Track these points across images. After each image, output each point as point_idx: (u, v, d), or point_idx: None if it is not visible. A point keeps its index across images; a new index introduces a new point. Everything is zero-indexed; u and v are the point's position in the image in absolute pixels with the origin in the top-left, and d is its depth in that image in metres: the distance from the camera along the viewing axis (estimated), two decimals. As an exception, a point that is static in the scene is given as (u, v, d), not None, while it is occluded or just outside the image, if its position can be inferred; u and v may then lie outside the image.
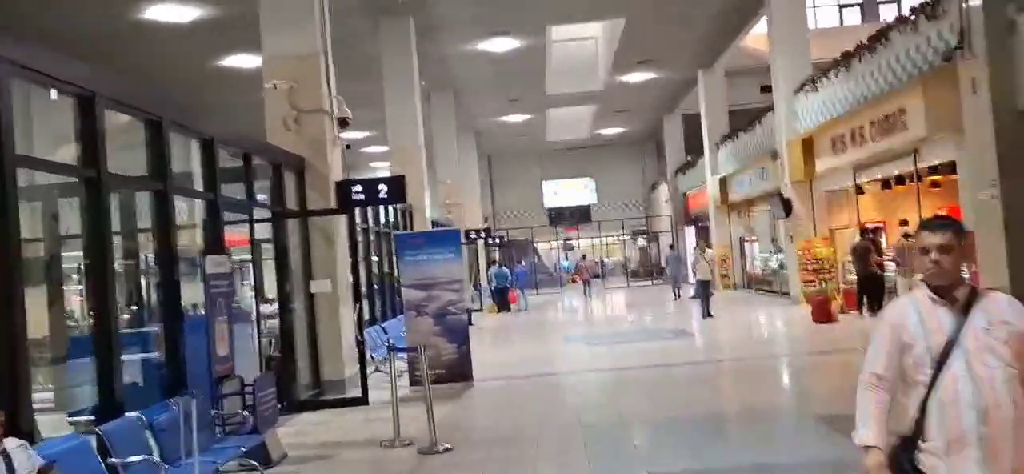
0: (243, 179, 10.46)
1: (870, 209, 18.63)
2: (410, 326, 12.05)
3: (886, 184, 17.15)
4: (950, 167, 14.09)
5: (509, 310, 26.84)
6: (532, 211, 43.47)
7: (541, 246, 44.36)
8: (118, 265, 8.11)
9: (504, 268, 29.13)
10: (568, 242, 44.62)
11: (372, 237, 16.76)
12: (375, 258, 17.11)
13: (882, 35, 14.66)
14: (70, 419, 7.21)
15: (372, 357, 12.87)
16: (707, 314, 19.11)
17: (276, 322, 11.59)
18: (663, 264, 37.15)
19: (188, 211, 9.76)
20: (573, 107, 32.77)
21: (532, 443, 8.30)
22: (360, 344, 11.44)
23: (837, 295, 17.83)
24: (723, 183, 27.23)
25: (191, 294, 9.05)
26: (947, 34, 12.07)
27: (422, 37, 19.90)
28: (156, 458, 6.03)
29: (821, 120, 17.85)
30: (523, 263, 38.35)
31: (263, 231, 11.44)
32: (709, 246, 26.67)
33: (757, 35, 24.33)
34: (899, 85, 14.03)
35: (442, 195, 27.91)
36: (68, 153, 6.88)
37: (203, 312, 8.01)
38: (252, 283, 12.18)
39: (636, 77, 27.89)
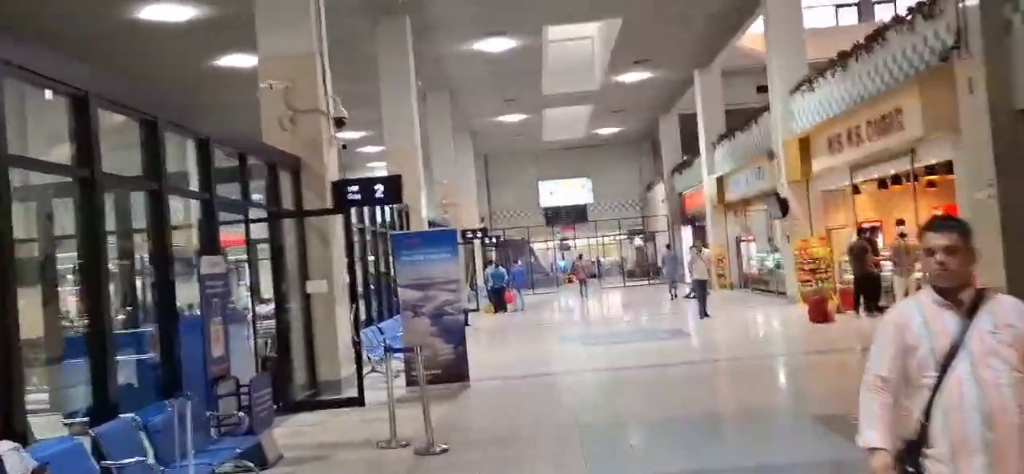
0: (239, 179, 10.43)
1: (867, 209, 18.64)
2: (406, 326, 12.01)
3: (882, 184, 17.16)
4: (947, 167, 14.10)
5: (505, 310, 26.81)
6: (528, 211, 43.45)
7: (537, 246, 44.35)
8: (113, 265, 8.08)
9: (500, 268, 29.11)
10: (564, 242, 44.62)
11: (368, 237, 16.73)
12: (371, 258, 17.07)
13: (879, 35, 14.66)
14: (65, 421, 7.17)
15: (368, 357, 12.84)
16: (704, 314, 19.11)
17: (272, 322, 11.56)
18: (659, 264, 37.15)
19: (184, 211, 9.73)
20: (569, 107, 32.76)
21: (529, 443, 8.29)
22: (356, 344, 11.40)
23: (834, 295, 17.83)
24: (719, 183, 27.24)
25: (187, 295, 9.02)
26: (944, 34, 12.07)
27: (418, 37, 19.87)
28: (151, 460, 6.00)
29: (818, 120, 17.85)
30: (519, 263, 38.31)
31: (259, 231, 11.41)
32: (705, 246, 26.68)
33: (753, 35, 24.36)
34: (896, 85, 14.03)
35: (438, 195, 27.88)
36: (63, 153, 6.84)
37: (198, 313, 7.97)
38: (248, 283, 12.15)
39: (632, 77, 27.89)
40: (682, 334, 17.01)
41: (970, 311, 2.98)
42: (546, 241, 44.22)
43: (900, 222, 16.20)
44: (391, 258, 15.84)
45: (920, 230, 3.15)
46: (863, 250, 16.47)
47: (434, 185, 27.74)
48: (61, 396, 7.96)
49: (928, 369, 2.97)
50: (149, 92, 9.51)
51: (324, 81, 12.01)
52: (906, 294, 15.27)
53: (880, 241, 17.98)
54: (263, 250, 11.71)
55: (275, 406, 8.93)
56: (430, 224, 21.15)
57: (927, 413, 2.95)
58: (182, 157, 9.23)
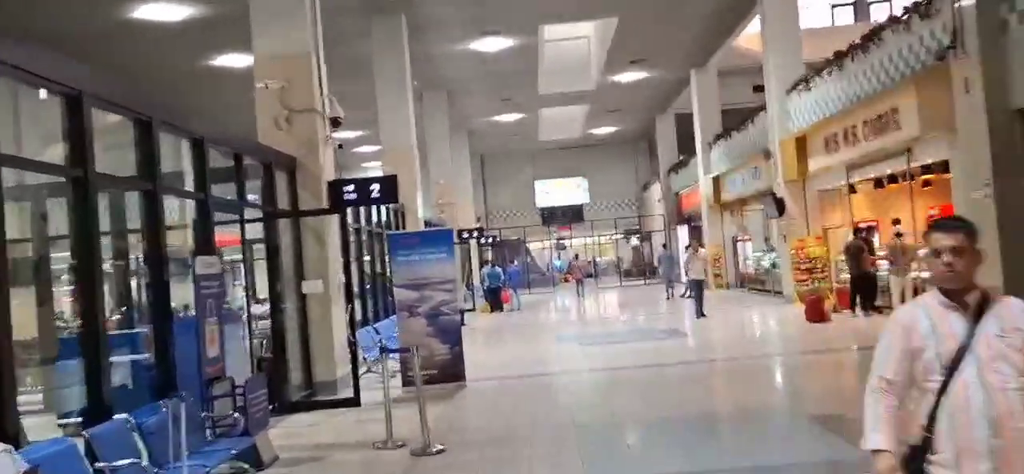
0: (234, 179, 10.39)
1: (863, 208, 18.66)
2: (402, 326, 11.98)
3: (879, 183, 17.17)
4: (943, 166, 14.11)
5: (502, 310, 26.79)
6: (525, 211, 43.44)
7: (534, 246, 44.32)
8: (108, 266, 8.04)
9: (497, 268, 29.09)
10: (561, 242, 44.60)
11: (364, 237, 16.69)
12: (367, 258, 17.03)
13: (875, 34, 14.66)
14: (59, 422, 7.13)
15: (364, 358, 12.79)
16: (700, 314, 19.10)
17: (268, 323, 11.52)
18: (656, 264, 37.15)
19: (180, 211, 9.69)
20: (566, 107, 32.75)
21: (525, 444, 8.26)
22: (352, 345, 11.37)
23: (830, 294, 17.83)
24: (716, 182, 27.24)
25: (182, 295, 8.98)
26: (940, 33, 12.07)
27: (414, 36, 19.84)
28: (145, 462, 5.96)
29: (814, 119, 17.85)
30: (516, 263, 38.29)
31: (254, 231, 11.37)
32: (702, 245, 26.68)
33: (750, 34, 24.33)
34: (892, 84, 14.03)
35: (434, 195, 27.85)
36: (57, 153, 6.80)
37: (193, 313, 7.94)
38: (243, 284, 12.11)
39: (629, 76, 27.87)
40: (679, 334, 17.00)
41: (977, 314, 2.92)
42: (542, 241, 44.20)
43: (896, 222, 16.22)
44: (387, 258, 15.82)
45: (925, 230, 3.11)
46: (859, 250, 16.48)
47: (430, 185, 27.71)
48: (55, 397, 7.92)
49: (934, 373, 2.92)
50: (143, 92, 9.46)
51: (320, 80, 11.97)
52: (902, 293, 15.30)
53: (876, 241, 17.99)
54: (259, 250, 11.66)
55: (271, 407, 8.89)
56: (426, 224, 21.11)
57: (932, 417, 2.90)
58: (177, 157, 9.19)
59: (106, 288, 7.65)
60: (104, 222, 7.46)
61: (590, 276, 38.14)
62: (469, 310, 24.86)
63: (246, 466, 7.33)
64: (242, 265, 11.86)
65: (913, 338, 2.97)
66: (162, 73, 20.06)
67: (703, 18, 22.30)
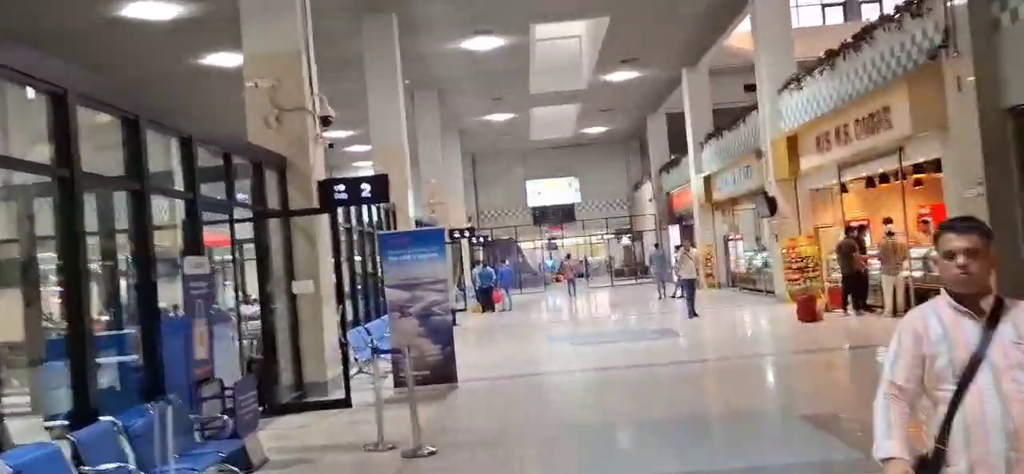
0: (223, 178, 10.30)
1: (854, 207, 18.67)
2: (394, 327, 11.91)
3: (870, 182, 17.18)
4: (935, 165, 14.11)
5: (494, 310, 26.74)
6: (516, 210, 43.42)
7: (525, 245, 44.30)
8: (95, 266, 7.94)
9: (488, 268, 29.04)
10: (552, 241, 44.58)
11: (355, 237, 16.61)
12: (358, 258, 16.95)
13: (867, 33, 14.66)
14: (46, 424, 7.03)
15: (355, 359, 12.72)
16: (692, 313, 19.08)
17: (258, 323, 11.44)
18: (647, 263, 37.16)
19: (169, 211, 9.60)
20: (557, 106, 32.72)
21: (517, 444, 8.22)
22: (343, 345, 11.30)
23: (822, 294, 17.84)
24: (707, 182, 27.24)
25: (171, 296, 8.89)
26: (932, 32, 12.07)
27: (405, 35, 19.77)
28: (131, 465, 5.87)
29: (806, 118, 17.85)
30: (507, 262, 38.24)
31: (244, 231, 11.29)
32: (693, 245, 26.68)
33: (741, 34, 24.36)
34: (884, 83, 14.03)
35: (426, 194, 27.78)
36: (45, 152, 6.71)
37: (182, 314, 7.85)
38: (233, 284, 12.02)
39: (620, 76, 27.87)
40: (670, 334, 16.97)
41: (991, 320, 2.79)
42: (534, 240, 44.18)
43: (888, 221, 16.23)
44: (378, 258, 15.74)
45: (936, 231, 2.97)
46: (851, 249, 16.49)
47: (421, 184, 27.64)
48: (42, 399, 7.83)
49: (946, 381, 2.80)
50: (131, 90, 9.35)
51: (310, 79, 11.90)
52: (894, 292, 15.32)
53: (868, 240, 18.00)
54: (248, 250, 11.58)
55: (260, 408, 8.80)
56: (417, 224, 21.05)
57: (944, 428, 2.77)
58: (166, 156, 9.10)
59: (94, 289, 7.57)
60: (92, 222, 7.38)
61: (581, 276, 38.13)
62: (461, 310, 24.80)
63: (235, 469, 7.24)
64: (232, 265, 11.76)
65: (924, 344, 2.85)
66: (152, 72, 19.96)
67: (694, 17, 22.29)
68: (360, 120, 21.49)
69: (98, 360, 6.85)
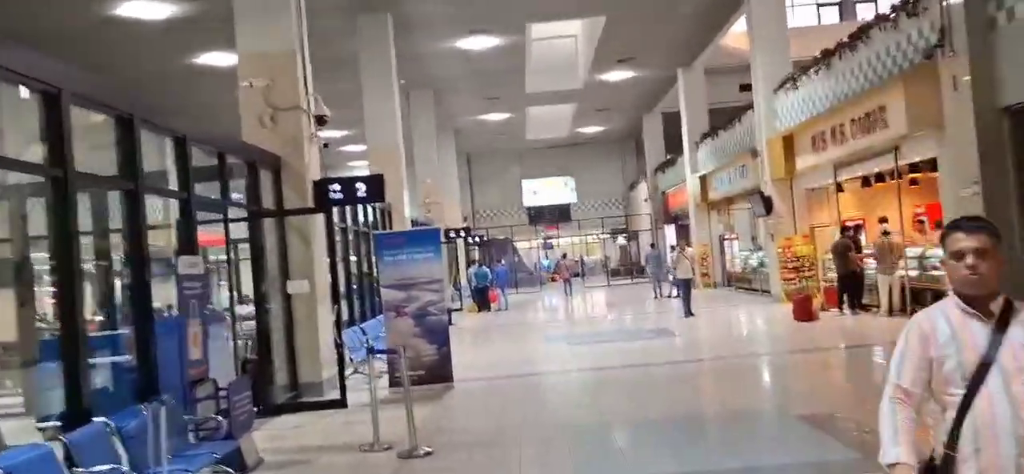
0: (218, 178, 10.26)
1: (850, 207, 18.68)
2: (389, 327, 11.88)
3: (866, 182, 17.19)
4: (930, 165, 14.12)
5: (489, 310, 26.72)
6: (512, 210, 43.40)
7: (521, 245, 44.28)
8: (89, 266, 7.90)
9: (484, 267, 29.01)
10: (548, 241, 44.57)
11: (350, 237, 16.57)
12: (353, 258, 16.92)
13: (863, 32, 14.67)
14: (38, 425, 6.99)
15: (351, 359, 12.68)
16: (688, 313, 19.08)
17: (252, 323, 11.39)
18: (643, 263, 37.18)
19: (164, 210, 9.56)
20: (553, 105, 32.70)
21: (514, 445, 8.18)
22: (338, 346, 11.26)
23: (818, 293, 17.84)
24: (703, 181, 27.25)
25: (166, 296, 8.85)
26: (928, 31, 12.07)
27: (400, 35, 19.72)
28: (125, 467, 5.83)
29: (801, 118, 17.86)
30: (503, 262, 38.23)
31: (239, 231, 11.24)
32: (689, 245, 26.68)
33: (736, 33, 24.36)
34: (880, 82, 14.03)
35: (421, 194, 27.75)
36: (38, 151, 6.66)
37: (176, 314, 7.81)
38: (228, 284, 11.98)
39: (616, 75, 27.85)
40: (667, 333, 16.95)
41: (1001, 322, 2.72)
42: (529, 240, 44.16)
43: (883, 220, 16.23)
44: (373, 258, 15.70)
45: (944, 231, 2.89)
46: (846, 248, 16.49)
47: (417, 184, 27.59)
48: (35, 400, 7.78)
49: (954, 385, 2.73)
50: (124, 89, 9.31)
51: (305, 79, 11.85)
52: (889, 291, 15.32)
53: (863, 239, 18.01)
54: (243, 250, 11.53)
55: (255, 409, 8.77)
56: (413, 223, 21.02)
57: (954, 433, 2.70)
58: (160, 156, 9.06)
59: (87, 289, 7.52)
60: (86, 222, 7.34)
61: (577, 275, 38.13)
62: (456, 310, 24.77)
63: (229, 470, 7.20)
64: (227, 265, 11.72)
65: (931, 347, 2.78)
66: (146, 72, 19.89)
67: (690, 17, 22.28)
68: (355, 120, 21.45)
69: (91, 360, 6.81)
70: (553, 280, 39.38)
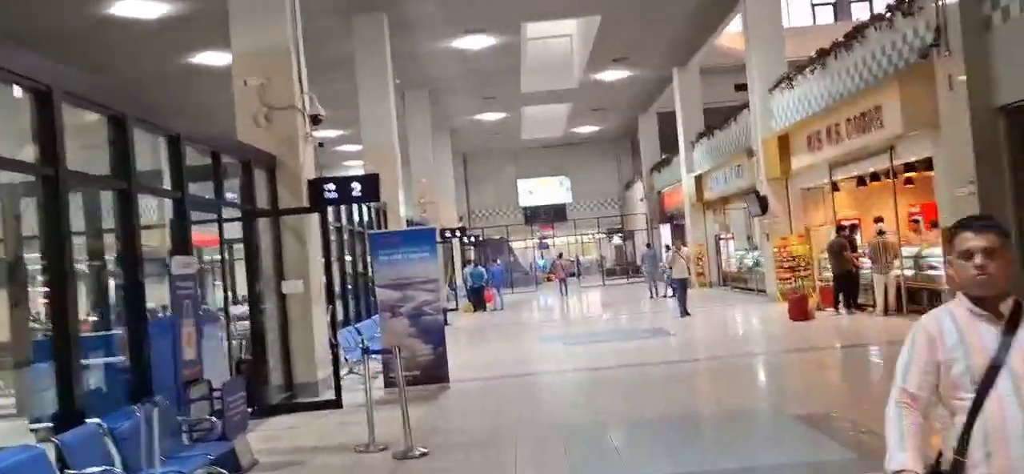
0: (212, 177, 10.22)
1: (846, 206, 18.68)
2: (385, 327, 11.84)
3: (861, 181, 17.19)
4: (926, 164, 14.12)
5: (485, 309, 26.70)
6: (507, 210, 43.38)
7: (516, 245, 44.26)
8: (82, 266, 7.86)
9: (480, 267, 28.98)
10: (543, 241, 44.56)
11: (345, 236, 16.53)
12: (348, 258, 16.88)
13: (858, 32, 14.67)
14: (31, 427, 6.95)
15: (346, 359, 12.65)
16: (684, 312, 19.07)
17: (247, 324, 11.34)
18: (639, 263, 37.16)
19: (158, 210, 9.51)
20: (548, 105, 32.70)
21: (510, 445, 8.15)
22: (333, 346, 11.22)
23: (813, 293, 17.85)
24: (698, 181, 27.25)
25: (159, 296, 8.80)
26: (923, 31, 12.07)
27: (396, 35, 19.70)
28: (117, 468, 5.79)
29: (797, 117, 17.86)
30: (498, 262, 38.20)
31: (233, 230, 11.19)
32: (685, 244, 26.67)
33: (732, 33, 24.36)
34: (875, 82, 14.03)
35: (417, 194, 27.72)
36: (31, 150, 6.62)
37: (170, 314, 7.77)
38: (222, 284, 11.93)
39: (611, 75, 27.86)
40: (662, 333, 16.94)
41: (1011, 324, 2.64)
42: (525, 240, 44.15)
43: (879, 219, 16.24)
44: (369, 258, 15.66)
45: (952, 230, 2.82)
46: (842, 248, 16.49)
47: (412, 184, 27.56)
48: (27, 401, 7.74)
49: (963, 389, 2.65)
50: (117, 88, 9.26)
51: (300, 78, 11.81)
52: (885, 291, 15.33)
53: (859, 239, 18.02)
54: (238, 250, 11.49)
55: (249, 410, 8.74)
56: (408, 223, 20.99)
57: (963, 438, 2.63)
58: (153, 155, 9.01)
59: (80, 289, 7.48)
60: (78, 222, 7.30)
61: (573, 275, 38.10)
62: (452, 310, 24.75)
63: (223, 471, 7.15)
64: (221, 265, 11.67)
65: (938, 350, 2.70)
66: (141, 71, 19.83)
67: (685, 17, 22.28)
68: (351, 119, 21.42)
69: (84, 361, 6.77)
70: (549, 280, 39.35)
